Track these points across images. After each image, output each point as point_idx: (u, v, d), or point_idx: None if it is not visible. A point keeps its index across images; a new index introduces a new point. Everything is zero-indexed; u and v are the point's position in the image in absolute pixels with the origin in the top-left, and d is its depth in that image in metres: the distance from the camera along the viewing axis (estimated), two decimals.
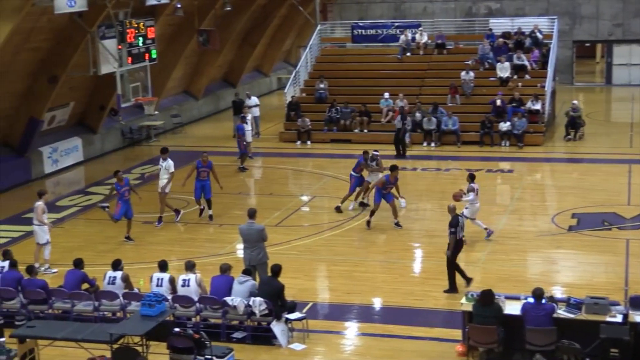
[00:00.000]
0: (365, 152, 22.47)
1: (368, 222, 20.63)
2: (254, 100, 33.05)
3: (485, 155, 28.57)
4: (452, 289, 16.42)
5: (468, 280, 16.50)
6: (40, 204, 18.65)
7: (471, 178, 19.69)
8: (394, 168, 20.82)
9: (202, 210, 22.01)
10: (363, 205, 22.10)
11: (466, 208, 19.29)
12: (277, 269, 14.82)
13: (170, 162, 21.57)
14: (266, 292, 14.55)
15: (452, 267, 16.50)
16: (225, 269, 15.09)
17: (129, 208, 20.29)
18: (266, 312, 14.43)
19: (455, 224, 16.43)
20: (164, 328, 13.05)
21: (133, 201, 20.66)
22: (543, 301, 13.09)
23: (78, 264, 15.72)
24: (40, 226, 18.60)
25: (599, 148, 29.12)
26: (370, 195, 21.88)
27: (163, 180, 21.41)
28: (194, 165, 21.93)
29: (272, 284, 14.67)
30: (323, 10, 42.00)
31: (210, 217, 21.90)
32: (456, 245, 16.48)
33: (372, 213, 20.66)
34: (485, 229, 19.55)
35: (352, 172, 22.27)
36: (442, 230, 19.85)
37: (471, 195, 19.27)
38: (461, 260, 18.14)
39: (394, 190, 20.95)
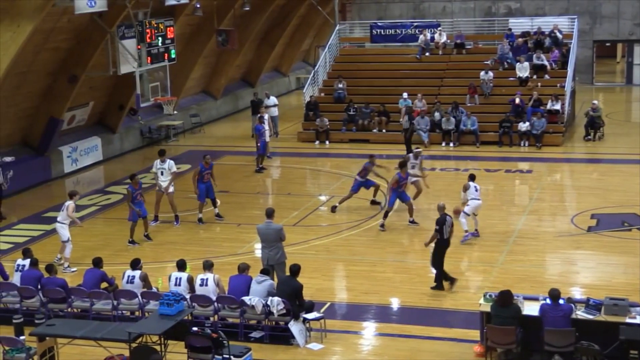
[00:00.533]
0: (371, 156, 22.47)
1: (382, 225, 20.60)
2: (273, 100, 33.09)
3: (504, 155, 28.45)
4: (452, 281, 16.53)
5: (438, 286, 16.54)
6: (70, 203, 18.83)
7: (471, 178, 19.87)
8: (402, 164, 20.84)
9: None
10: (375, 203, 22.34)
11: (467, 205, 19.44)
12: (295, 269, 14.83)
13: (171, 163, 21.72)
14: (284, 291, 14.56)
15: (440, 266, 16.53)
16: (243, 268, 15.12)
17: (142, 207, 20.41)
18: (284, 311, 14.45)
19: (441, 222, 16.49)
20: (182, 327, 13.10)
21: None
22: (560, 302, 13.03)
23: (97, 263, 15.79)
24: (62, 225, 18.74)
25: (618, 148, 28.94)
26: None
27: (164, 181, 21.45)
28: (197, 170, 21.84)
29: (290, 284, 14.69)
30: (342, 10, 41.98)
31: (218, 215, 22.02)
32: (440, 244, 16.49)
33: (386, 215, 20.63)
34: (466, 231, 19.46)
35: (357, 177, 22.35)
36: (460, 230, 19.88)
37: (462, 195, 19.70)
38: (480, 260, 18.17)
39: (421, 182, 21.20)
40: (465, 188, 19.58)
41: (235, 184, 25.49)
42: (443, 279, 16.54)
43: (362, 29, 40.14)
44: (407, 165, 20.98)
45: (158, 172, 21.62)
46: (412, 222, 20.75)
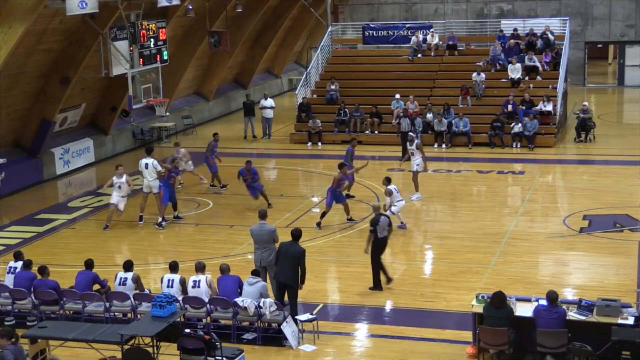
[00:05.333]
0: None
1: (319, 224, 20.94)
2: (270, 102, 32.97)
3: (496, 156, 28.48)
4: (377, 286, 16.69)
5: (388, 280, 16.76)
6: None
7: (387, 181, 20.45)
8: (341, 165, 21.13)
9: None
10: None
11: (394, 206, 20.20)
12: (297, 233, 15.02)
13: (155, 162, 21.85)
14: (287, 257, 14.69)
15: (377, 266, 16.67)
16: (225, 268, 15.13)
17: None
18: (277, 313, 14.46)
19: (374, 222, 16.61)
20: (174, 329, 13.08)
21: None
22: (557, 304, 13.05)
23: (89, 264, 15.76)
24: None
25: (610, 150, 29.03)
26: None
27: (150, 180, 21.58)
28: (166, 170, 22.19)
29: (294, 248, 14.81)
30: (334, 11, 42.00)
31: (178, 217, 22.27)
32: (376, 244, 16.59)
33: (324, 215, 21.03)
34: (402, 222, 20.46)
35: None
36: (453, 232, 19.98)
37: (387, 199, 20.32)
38: (473, 261, 18.19)
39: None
40: (389, 193, 20.22)
41: (228, 186, 25.45)
42: (380, 278, 16.68)
43: (355, 30, 40.18)
44: (346, 166, 21.20)
45: (143, 166, 21.72)
46: (350, 219, 21.21)
